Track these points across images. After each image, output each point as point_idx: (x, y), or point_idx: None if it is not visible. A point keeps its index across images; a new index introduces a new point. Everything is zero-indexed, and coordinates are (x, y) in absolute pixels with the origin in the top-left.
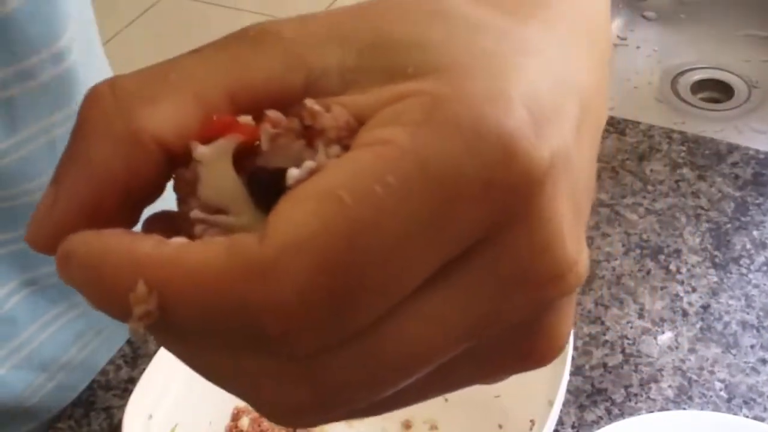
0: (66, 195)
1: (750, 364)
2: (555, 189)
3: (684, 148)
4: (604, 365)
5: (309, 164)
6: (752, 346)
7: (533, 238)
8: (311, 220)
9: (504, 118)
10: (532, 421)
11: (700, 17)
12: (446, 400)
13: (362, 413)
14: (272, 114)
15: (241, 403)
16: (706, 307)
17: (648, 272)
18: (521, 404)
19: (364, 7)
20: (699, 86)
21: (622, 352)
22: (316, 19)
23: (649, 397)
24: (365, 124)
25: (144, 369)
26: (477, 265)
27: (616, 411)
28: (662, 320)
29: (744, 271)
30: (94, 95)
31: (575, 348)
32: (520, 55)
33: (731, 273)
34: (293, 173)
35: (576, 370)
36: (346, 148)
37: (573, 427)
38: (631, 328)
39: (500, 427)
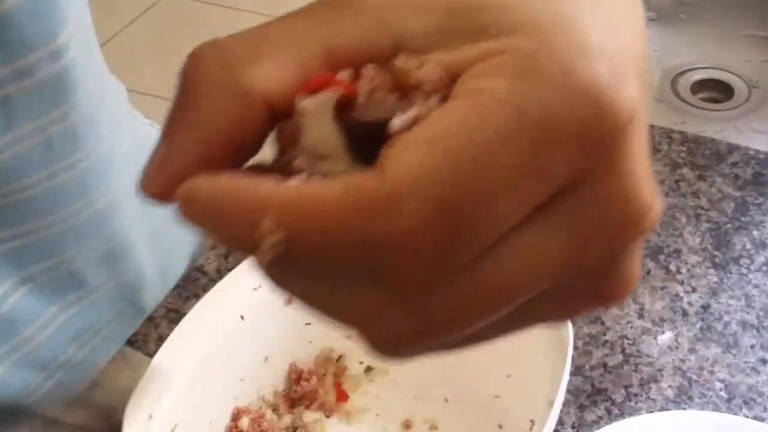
0: (179, 149)
1: (750, 364)
2: (633, 139)
3: (684, 148)
4: (604, 365)
5: (410, 114)
6: (752, 346)
7: (617, 184)
8: (423, 161)
9: (592, 72)
10: (532, 421)
11: (700, 17)
12: (446, 400)
13: (456, 345)
14: (368, 70)
15: (241, 403)
16: (706, 307)
17: (648, 272)
18: (521, 404)
19: None
20: (699, 86)
21: (622, 352)
22: None
23: (649, 397)
24: (459, 78)
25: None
26: (566, 209)
27: (616, 411)
28: (662, 320)
29: (744, 271)
30: (198, 58)
31: (575, 348)
32: (591, 12)
33: (731, 273)
34: (397, 122)
35: (576, 370)
36: (443, 99)
37: (573, 427)
38: (631, 328)
39: (500, 427)
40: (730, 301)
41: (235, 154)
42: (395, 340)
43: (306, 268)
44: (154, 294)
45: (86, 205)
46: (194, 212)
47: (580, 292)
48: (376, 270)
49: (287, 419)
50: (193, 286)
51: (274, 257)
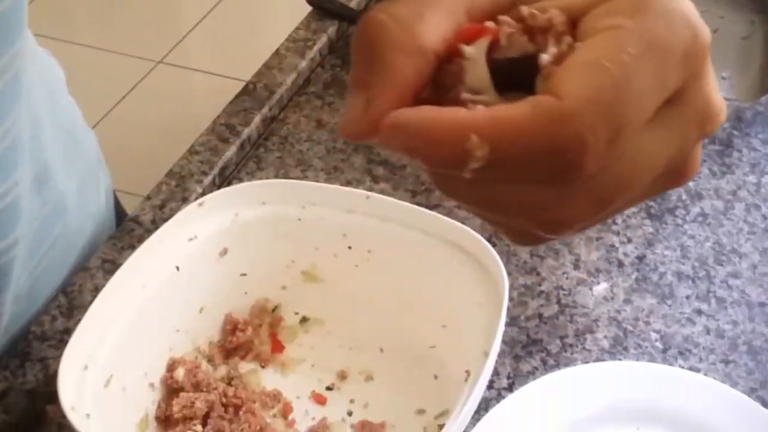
0: (379, 97)
1: (685, 315)
2: (709, 56)
3: None
4: (540, 316)
5: (553, 50)
6: (687, 297)
7: (705, 89)
8: (591, 82)
9: (686, 7)
10: (468, 372)
11: None
12: (382, 350)
13: (616, 212)
14: (506, 19)
15: (176, 354)
16: (641, 258)
17: None
18: (456, 355)
19: None
20: None
21: (558, 302)
22: None
23: (584, 348)
24: (584, 18)
25: (79, 320)
26: (674, 111)
27: (551, 362)
28: (598, 271)
29: (679, 221)
30: (377, 21)
31: (510, 299)
32: None
33: (667, 224)
34: (545, 57)
35: (511, 321)
36: (573, 39)
37: (508, 377)
38: (567, 278)
39: (435, 377)
40: (666, 252)
41: (415, 96)
42: (572, 221)
43: (501, 175)
44: (78, 219)
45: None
46: (404, 138)
47: (670, 174)
48: (561, 169)
49: (222, 370)
50: (128, 236)
51: (479, 167)
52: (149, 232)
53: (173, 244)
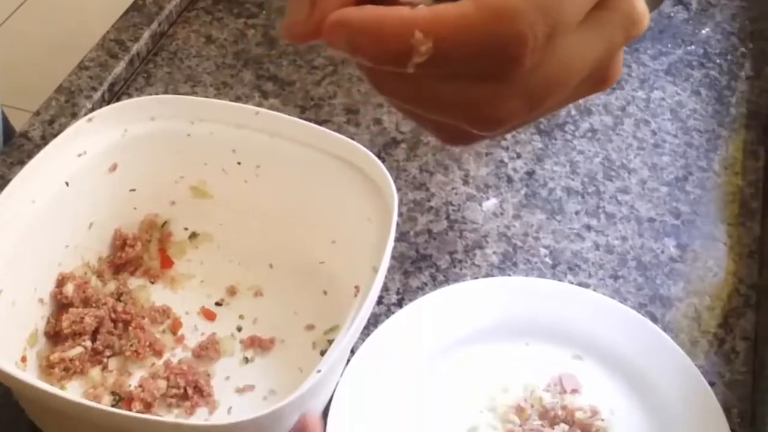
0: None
1: (575, 231)
2: None
3: None
4: (429, 231)
5: None
6: (577, 213)
7: None
8: None
9: None
10: (357, 287)
11: None
12: (271, 266)
13: (545, 113)
14: None
15: (66, 270)
16: (530, 174)
17: None
18: (346, 270)
19: None
20: None
21: (447, 218)
22: None
23: (474, 264)
24: None
25: None
26: (603, 13)
27: (441, 277)
28: (487, 186)
29: (569, 137)
30: None
31: (400, 214)
32: None
33: (556, 139)
34: None
35: (401, 237)
36: None
37: (398, 293)
38: (456, 194)
39: (325, 293)
40: (555, 168)
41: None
42: (506, 118)
43: (442, 71)
44: None
45: None
46: (347, 36)
47: (596, 78)
48: (500, 64)
49: (112, 286)
50: (17, 152)
51: (422, 63)
52: (38, 147)
53: (62, 160)
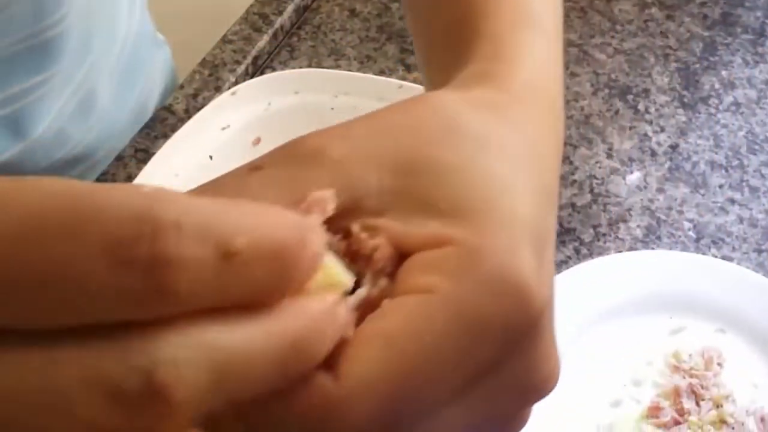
0: None
1: (718, 204)
2: (548, 315)
3: None
4: (573, 205)
5: (361, 293)
6: (720, 186)
7: (531, 360)
8: (378, 364)
9: (522, 273)
10: None
11: None
12: None
13: None
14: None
15: None
16: (674, 147)
17: (616, 112)
18: None
19: (389, 120)
20: None
21: (591, 191)
22: (356, 136)
23: (617, 237)
24: (407, 261)
25: None
26: (490, 381)
27: (584, 251)
28: (631, 160)
29: (712, 111)
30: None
31: None
32: (517, 177)
33: (699, 113)
34: (350, 302)
35: None
36: (390, 276)
37: None
38: (600, 167)
39: None
40: (699, 141)
41: None
42: None
43: None
44: None
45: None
46: None
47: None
48: None
49: None
50: (161, 125)
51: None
52: (182, 121)
53: (206, 133)
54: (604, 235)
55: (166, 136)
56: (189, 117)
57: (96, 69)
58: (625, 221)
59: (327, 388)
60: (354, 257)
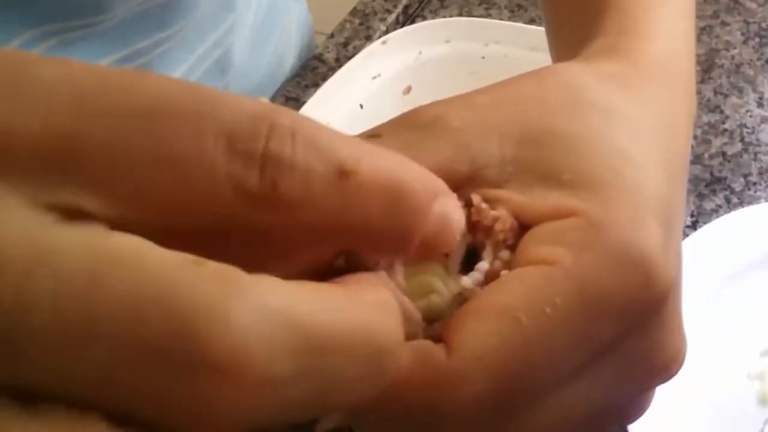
0: None
1: None
2: (675, 295)
3: None
4: (723, 154)
5: (483, 266)
6: None
7: (654, 340)
8: (493, 337)
9: (646, 244)
10: None
11: None
12: None
13: None
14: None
15: None
16: None
17: (767, 61)
18: None
19: (514, 91)
20: None
21: (741, 140)
22: (480, 105)
23: None
24: (529, 232)
25: None
26: (611, 360)
27: (735, 200)
28: None
29: None
30: None
31: (694, 137)
32: (645, 152)
33: None
34: (469, 281)
35: (695, 159)
36: (511, 248)
37: (692, 216)
38: (750, 117)
39: None
40: None
41: None
42: None
43: (373, 428)
44: None
45: None
46: None
47: (610, 414)
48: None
49: None
50: (312, 74)
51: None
52: (333, 70)
53: (357, 82)
54: (754, 183)
55: (317, 85)
56: (340, 66)
57: (236, 27)
58: None
59: (438, 362)
60: (474, 228)
